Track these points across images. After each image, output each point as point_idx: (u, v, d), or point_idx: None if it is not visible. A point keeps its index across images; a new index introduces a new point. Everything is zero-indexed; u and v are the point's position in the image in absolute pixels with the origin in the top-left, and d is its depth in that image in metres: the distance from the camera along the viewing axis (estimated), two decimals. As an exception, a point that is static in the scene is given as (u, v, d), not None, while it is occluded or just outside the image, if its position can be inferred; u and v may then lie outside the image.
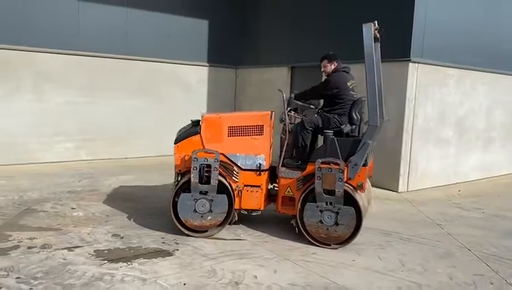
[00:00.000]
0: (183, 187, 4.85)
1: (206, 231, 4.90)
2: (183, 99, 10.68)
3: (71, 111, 9.09)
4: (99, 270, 3.94)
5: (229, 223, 5.00)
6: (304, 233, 4.86)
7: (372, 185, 7.95)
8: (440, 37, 7.82)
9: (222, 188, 4.83)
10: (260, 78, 10.95)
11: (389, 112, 7.81)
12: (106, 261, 4.16)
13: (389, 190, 7.77)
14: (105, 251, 4.42)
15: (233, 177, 4.97)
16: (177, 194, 4.86)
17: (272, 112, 5.16)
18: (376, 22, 4.99)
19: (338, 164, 4.67)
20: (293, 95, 5.52)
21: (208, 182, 4.74)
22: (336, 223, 4.72)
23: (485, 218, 6.35)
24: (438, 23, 7.75)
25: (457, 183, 8.61)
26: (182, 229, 4.85)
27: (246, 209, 5.07)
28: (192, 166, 4.68)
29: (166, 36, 10.33)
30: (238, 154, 4.99)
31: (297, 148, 5.26)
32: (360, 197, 4.86)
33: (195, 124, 5.17)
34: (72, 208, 5.82)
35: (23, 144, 8.45)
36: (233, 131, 5.02)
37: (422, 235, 5.40)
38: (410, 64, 7.55)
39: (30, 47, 8.56)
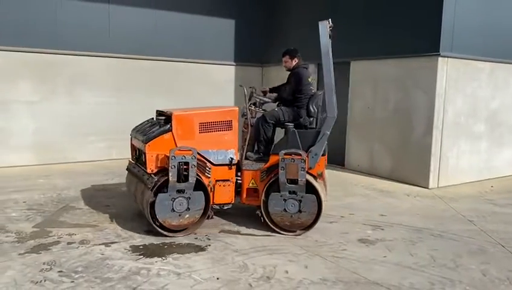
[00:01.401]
0: (159, 187, 4.72)
1: (184, 230, 4.85)
2: (211, 98, 10.81)
3: (103, 111, 9.38)
4: (135, 265, 4.08)
5: (207, 218, 5.05)
6: (269, 222, 5.03)
7: (401, 181, 7.96)
8: (469, 31, 7.70)
9: (198, 185, 4.79)
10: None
11: (418, 107, 7.79)
12: (142, 256, 4.30)
13: (419, 186, 7.72)
14: (141, 247, 4.56)
15: (206, 174, 4.95)
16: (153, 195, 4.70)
17: (239, 107, 5.24)
18: (330, 19, 5.12)
19: (300, 155, 4.88)
20: (254, 90, 5.64)
21: (185, 180, 4.68)
22: (299, 211, 4.93)
23: (519, 214, 6.24)
24: (466, 16, 7.62)
25: (489, 179, 8.46)
26: (160, 230, 4.76)
27: (218, 204, 5.08)
28: (170, 165, 4.58)
29: (194, 37, 10.50)
30: (210, 150, 4.96)
31: (260, 142, 5.41)
32: (319, 185, 5.10)
33: (161, 121, 5.03)
34: (107, 206, 6.03)
35: (59, 144, 8.78)
36: (205, 127, 4.97)
37: (453, 231, 5.35)
38: (440, 58, 7.46)
39: (64, 50, 8.87)
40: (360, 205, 6.46)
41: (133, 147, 5.60)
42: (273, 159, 5.05)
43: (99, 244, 4.57)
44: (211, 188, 4.95)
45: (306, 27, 10.11)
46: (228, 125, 5.06)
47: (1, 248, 4.38)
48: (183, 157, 4.61)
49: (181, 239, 4.82)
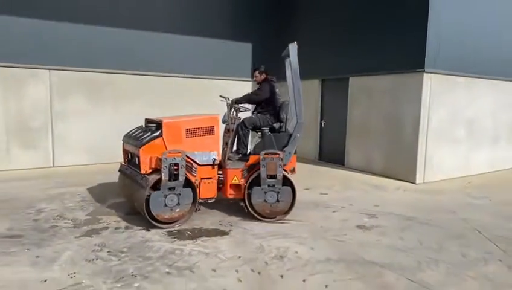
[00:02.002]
0: (153, 186, 4.62)
1: (175, 222, 4.74)
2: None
3: (140, 122, 9.45)
4: (171, 246, 4.13)
5: (195, 211, 4.96)
6: (252, 212, 5.05)
7: (392, 178, 7.88)
8: (449, 50, 7.60)
9: (186, 183, 4.72)
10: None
11: (407, 115, 7.71)
12: (176, 239, 4.35)
13: (407, 181, 7.63)
14: (175, 231, 4.61)
15: (193, 173, 4.88)
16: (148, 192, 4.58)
17: (218, 114, 5.19)
18: (296, 42, 5.21)
19: (278, 154, 4.95)
20: (234, 100, 5.59)
21: (175, 179, 4.59)
22: (278, 201, 4.99)
23: (492, 205, 6.13)
24: (449, 37, 7.54)
25: (468, 175, 8.32)
26: (154, 223, 4.63)
27: (203, 199, 5.01)
28: (162, 166, 4.50)
29: (218, 57, 10.57)
30: (196, 153, 4.90)
31: (239, 144, 5.45)
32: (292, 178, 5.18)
33: (152, 128, 4.91)
34: (147, 198, 6.08)
35: (108, 147, 8.90)
36: (190, 133, 4.91)
37: (438, 219, 5.29)
38: (425, 74, 7.38)
39: (110, 70, 9.03)
40: (357, 198, 6.41)
41: (125, 152, 5.46)
42: (253, 158, 5.10)
43: (141, 229, 4.63)
44: (197, 185, 4.86)
45: (312, 48, 10.16)
46: (210, 130, 5.02)
47: (60, 232, 4.48)
48: (174, 159, 4.55)
49: (208, 225, 4.86)
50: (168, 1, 9.80)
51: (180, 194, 4.65)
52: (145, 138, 4.79)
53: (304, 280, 3.41)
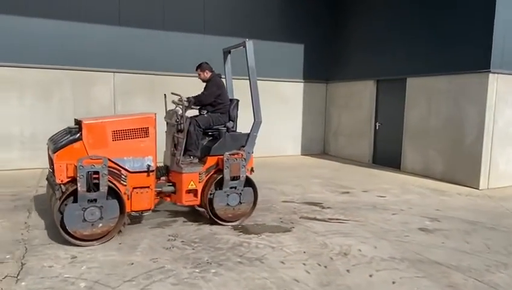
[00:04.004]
0: (69, 197, 4.05)
1: (99, 239, 4.18)
2: (282, 110, 11.23)
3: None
4: (238, 239, 4.49)
5: (123, 226, 4.39)
6: (214, 217, 4.89)
7: (453, 182, 7.82)
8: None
9: (111, 194, 4.21)
10: (348, 91, 11.12)
11: (469, 117, 7.64)
12: (241, 233, 4.71)
13: (470, 187, 7.55)
14: (239, 226, 4.97)
15: (122, 181, 4.35)
16: (61, 207, 4.03)
17: (155, 114, 4.65)
18: (248, 39, 5.20)
19: (241, 154, 4.91)
20: (191, 99, 5.23)
21: (96, 189, 4.06)
22: (240, 203, 4.94)
23: None
24: (516, 36, 7.40)
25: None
26: (71, 240, 4.05)
27: (136, 211, 4.52)
28: (78, 175, 3.95)
29: (269, 59, 10.91)
30: (125, 158, 4.36)
31: (191, 145, 5.08)
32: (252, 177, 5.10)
33: (73, 130, 4.37)
34: (207, 195, 6.53)
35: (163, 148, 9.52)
36: (118, 135, 4.35)
37: (504, 225, 5.27)
38: (491, 74, 7.29)
39: (165, 72, 9.64)
40: (416, 201, 6.48)
41: (49, 156, 4.72)
42: (210, 160, 4.95)
43: (207, 223, 5.01)
44: (128, 196, 4.38)
45: (368, 48, 10.26)
46: (144, 132, 4.48)
47: (134, 223, 4.97)
48: (93, 167, 4.01)
49: (270, 221, 5.18)
50: (219, 5, 10.31)
51: (102, 206, 4.11)
52: (62, 141, 4.27)
53: (370, 275, 3.63)
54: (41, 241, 4.25)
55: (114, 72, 9.08)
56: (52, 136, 4.82)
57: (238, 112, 5.73)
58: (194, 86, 10.10)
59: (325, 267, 3.79)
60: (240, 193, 4.95)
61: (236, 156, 4.90)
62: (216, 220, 4.92)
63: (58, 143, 4.27)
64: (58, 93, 8.67)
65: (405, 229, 5.02)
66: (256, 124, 5.18)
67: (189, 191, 4.88)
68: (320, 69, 11.76)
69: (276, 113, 11.12)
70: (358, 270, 3.74)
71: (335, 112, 11.65)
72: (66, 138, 4.32)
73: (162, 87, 9.67)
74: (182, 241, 4.39)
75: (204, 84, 5.59)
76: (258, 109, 5.15)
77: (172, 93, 5.08)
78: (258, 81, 10.95)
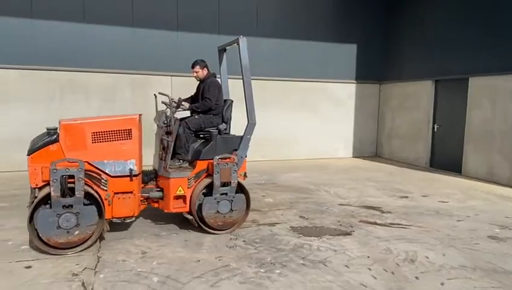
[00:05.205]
0: (43, 203, 3.86)
1: (75, 247, 3.95)
2: (333, 111, 11.11)
3: (245, 122, 10.13)
4: (299, 241, 4.51)
5: (102, 233, 4.18)
6: (202, 225, 4.61)
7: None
8: None
9: (89, 199, 4.00)
10: (403, 92, 10.78)
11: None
12: (301, 235, 4.72)
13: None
14: (298, 228, 4.99)
15: (102, 186, 4.11)
16: (34, 212, 3.83)
17: (139, 115, 4.41)
18: (242, 36, 4.83)
19: (232, 158, 4.64)
20: (180, 99, 4.97)
21: (71, 194, 3.85)
22: (231, 210, 4.64)
23: None
24: None
25: None
26: (46, 248, 3.86)
27: (117, 218, 4.26)
28: (51, 178, 3.74)
29: (320, 59, 10.85)
30: (105, 161, 4.11)
31: (180, 148, 4.88)
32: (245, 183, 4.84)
33: (51, 131, 4.15)
34: (263, 196, 6.61)
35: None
36: (98, 137, 4.10)
37: None
38: None
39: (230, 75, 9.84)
40: (482, 208, 6.16)
41: None
42: (200, 165, 4.68)
43: (266, 224, 5.08)
44: (108, 202, 4.15)
45: (425, 47, 9.89)
46: (127, 134, 4.21)
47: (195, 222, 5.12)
48: (67, 170, 3.80)
49: (328, 224, 5.15)
50: (272, 7, 10.37)
51: (79, 213, 3.88)
52: (37, 143, 4.07)
53: (441, 284, 3.51)
54: (112, 236, 4.49)
55: (172, 75, 9.41)
56: (34, 138, 4.50)
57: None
58: (254, 89, 10.24)
59: (392, 273, 3.71)
60: (232, 200, 4.64)
61: (227, 160, 4.64)
62: (205, 228, 4.62)
63: (34, 145, 4.06)
64: (120, 95, 9.12)
65: (474, 236, 4.80)
66: (250, 126, 4.89)
67: (177, 197, 4.62)
68: (373, 70, 11.50)
69: (327, 114, 11.02)
70: (428, 277, 3.63)
71: (389, 114, 11.33)
72: (43, 139, 4.10)
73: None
74: (244, 241, 4.47)
75: (198, 83, 5.41)
76: (252, 110, 4.86)
77: (159, 93, 4.90)
78: (307, 82, 10.97)
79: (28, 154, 3.95)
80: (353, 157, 11.50)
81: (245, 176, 5.03)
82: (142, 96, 9.20)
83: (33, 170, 3.90)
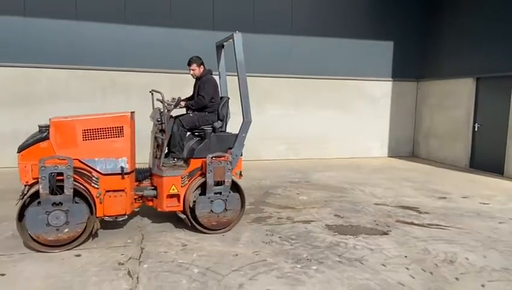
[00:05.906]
0: (32, 200, 3.87)
1: (66, 245, 3.94)
2: (367, 110, 10.97)
3: (283, 121, 10.22)
4: (334, 239, 4.54)
5: (92, 232, 4.14)
6: (196, 225, 4.52)
7: None
8: None
9: (80, 197, 3.98)
10: (442, 90, 10.49)
11: None
12: (337, 233, 4.74)
13: None
14: (333, 226, 5.01)
15: (93, 184, 4.10)
16: (24, 209, 3.83)
17: (132, 112, 4.36)
18: (238, 31, 4.69)
19: (226, 157, 4.55)
20: (178, 98, 4.91)
21: (60, 192, 3.85)
22: (225, 209, 4.55)
23: None
24: None
25: None
26: (36, 246, 3.87)
27: (110, 216, 4.25)
28: (40, 176, 3.74)
29: (355, 57, 10.74)
30: (96, 159, 4.10)
31: (175, 146, 4.83)
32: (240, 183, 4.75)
33: (43, 129, 4.12)
34: (297, 194, 6.66)
35: (254, 146, 9.81)
36: (89, 134, 4.10)
37: None
38: None
39: (255, 73, 9.94)
40: (527, 210, 5.95)
41: None
42: (194, 163, 4.60)
43: (301, 222, 5.13)
44: (100, 200, 4.12)
45: (465, 44, 9.59)
46: (118, 131, 4.19)
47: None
48: (56, 168, 3.80)
49: (364, 223, 5.13)
50: (306, 5, 10.36)
51: (69, 210, 3.87)
52: (28, 140, 4.11)
53: (482, 285, 3.45)
54: (154, 228, 4.70)
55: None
56: (29, 136, 4.44)
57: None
58: (288, 87, 10.34)
59: (431, 273, 3.68)
60: (226, 199, 4.56)
61: (220, 159, 4.56)
62: (199, 228, 4.55)
63: (25, 142, 4.09)
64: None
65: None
66: (245, 124, 4.78)
67: (171, 196, 4.57)
68: (410, 67, 11.26)
69: (362, 113, 10.90)
70: (468, 279, 3.58)
71: (427, 112, 11.06)
72: (34, 136, 4.12)
73: (254, 87, 10.03)
74: (280, 237, 4.55)
75: (195, 80, 5.39)
76: (248, 107, 4.77)
77: (153, 91, 4.89)
78: (341, 80, 10.89)
79: (18, 152, 3.99)
80: (388, 156, 11.32)
81: (240, 175, 4.96)
82: (180, 96, 9.45)
83: (23, 167, 3.94)
